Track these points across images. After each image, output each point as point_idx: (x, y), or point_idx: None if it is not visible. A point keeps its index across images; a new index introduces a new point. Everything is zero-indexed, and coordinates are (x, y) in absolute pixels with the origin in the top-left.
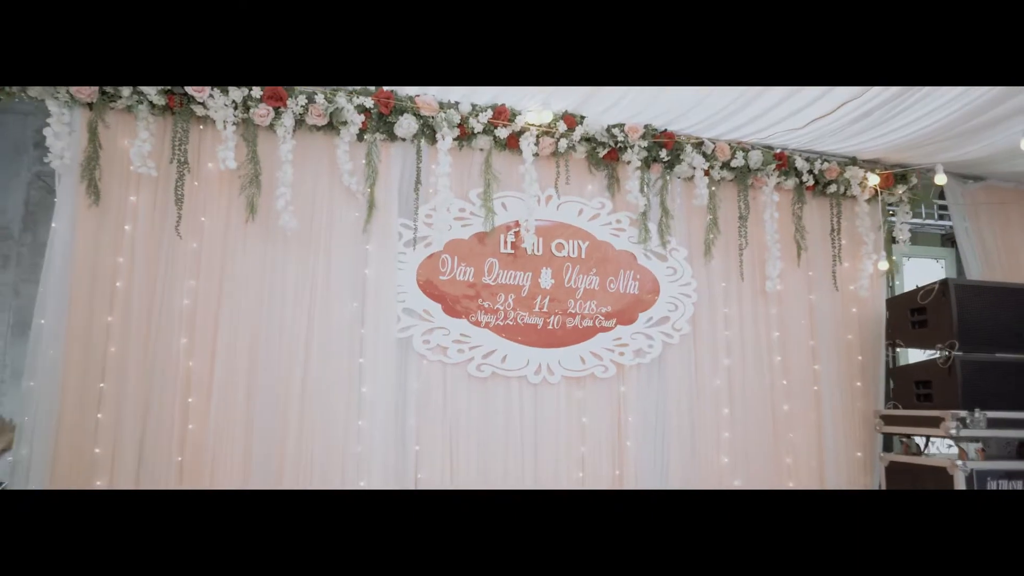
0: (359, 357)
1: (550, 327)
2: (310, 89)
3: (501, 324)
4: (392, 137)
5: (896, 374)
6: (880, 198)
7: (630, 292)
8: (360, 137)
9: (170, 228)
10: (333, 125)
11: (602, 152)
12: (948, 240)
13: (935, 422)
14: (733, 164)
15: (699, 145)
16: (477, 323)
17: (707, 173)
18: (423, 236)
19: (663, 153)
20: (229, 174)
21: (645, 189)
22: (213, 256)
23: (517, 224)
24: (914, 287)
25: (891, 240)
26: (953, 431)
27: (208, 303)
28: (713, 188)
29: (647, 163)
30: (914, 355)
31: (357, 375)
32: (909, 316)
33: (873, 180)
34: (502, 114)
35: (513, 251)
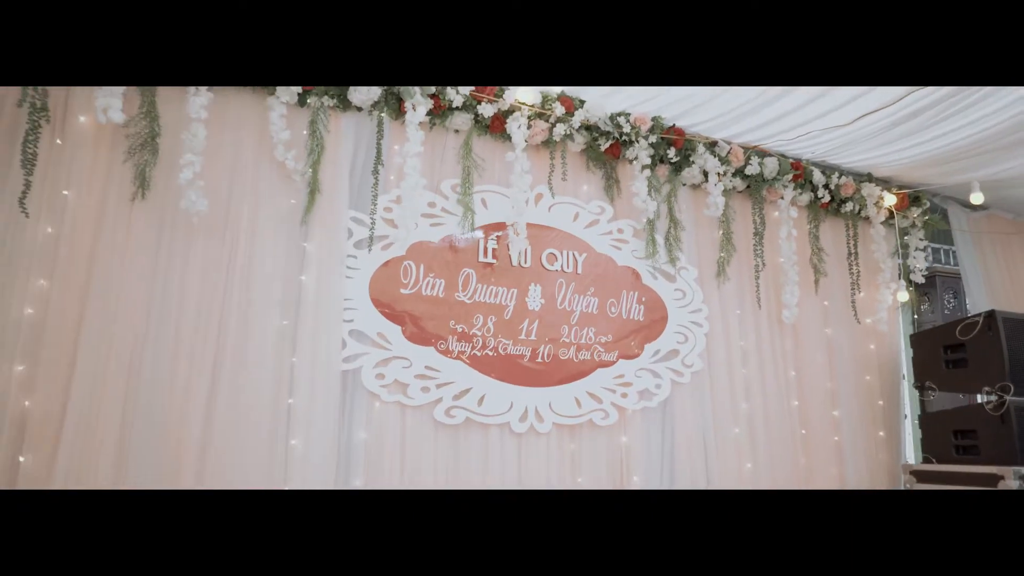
0: (288, 396)
1: (539, 359)
2: None
3: (479, 355)
4: (345, 105)
5: (928, 422)
6: (895, 221)
7: (634, 318)
8: (302, 101)
9: (11, 203)
10: None
11: (604, 144)
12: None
13: (989, 480)
14: (747, 171)
15: (712, 146)
16: (447, 352)
17: (720, 179)
18: (381, 235)
19: (671, 152)
20: (111, 132)
21: (653, 194)
22: (79, 247)
23: (503, 227)
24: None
25: (907, 271)
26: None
27: (65, 314)
28: (724, 198)
29: (653, 163)
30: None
31: (284, 422)
32: (943, 354)
33: (890, 200)
34: (488, 87)
35: (495, 260)
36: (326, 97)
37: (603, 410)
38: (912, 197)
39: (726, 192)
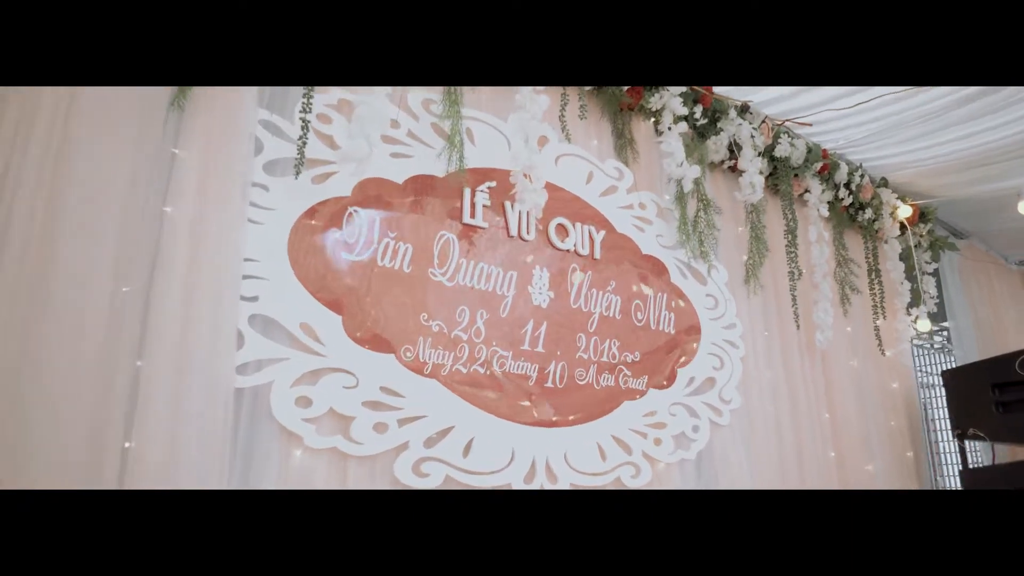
0: (123, 439)
1: (548, 384)
2: None
3: (464, 371)
4: None
5: (974, 480)
6: (908, 237)
7: (664, 329)
8: None
9: None
10: None
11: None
12: None
13: None
14: (776, 152)
15: (744, 111)
16: (417, 366)
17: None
18: (314, 159)
19: (697, 112)
20: None
21: (688, 160)
22: None
23: (497, 175)
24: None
25: (919, 296)
26: None
27: None
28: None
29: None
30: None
31: (113, 482)
32: (992, 395)
33: (905, 212)
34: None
35: (485, 224)
36: None
37: (633, 464)
38: (920, 212)
39: None
